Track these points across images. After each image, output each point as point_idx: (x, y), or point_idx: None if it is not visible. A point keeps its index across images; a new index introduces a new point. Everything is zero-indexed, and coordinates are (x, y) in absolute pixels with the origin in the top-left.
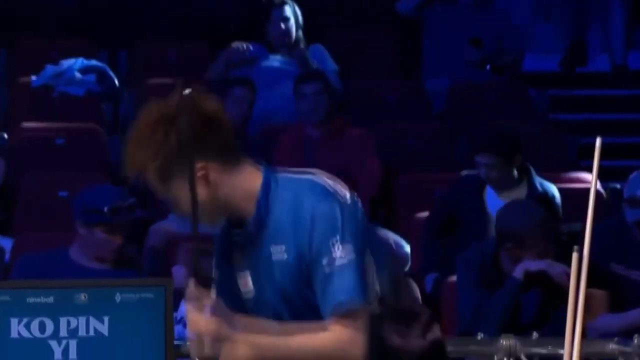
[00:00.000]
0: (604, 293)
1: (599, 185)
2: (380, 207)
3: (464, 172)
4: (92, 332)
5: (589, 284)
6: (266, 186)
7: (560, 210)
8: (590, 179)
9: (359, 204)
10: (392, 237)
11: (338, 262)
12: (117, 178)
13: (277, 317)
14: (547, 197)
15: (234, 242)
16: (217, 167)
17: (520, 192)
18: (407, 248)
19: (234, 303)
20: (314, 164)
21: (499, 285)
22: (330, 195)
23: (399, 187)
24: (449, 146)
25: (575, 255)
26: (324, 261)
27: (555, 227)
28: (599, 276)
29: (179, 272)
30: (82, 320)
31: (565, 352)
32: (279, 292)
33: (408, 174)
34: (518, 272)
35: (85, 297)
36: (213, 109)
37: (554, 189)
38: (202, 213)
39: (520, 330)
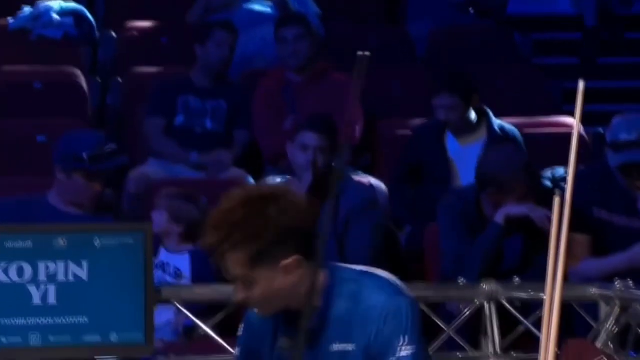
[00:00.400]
0: (586, 238)
1: (582, 130)
2: (362, 153)
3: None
4: (71, 277)
5: (571, 229)
6: (331, 280)
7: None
8: (573, 124)
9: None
10: (374, 182)
11: None
12: (95, 122)
13: None
14: (507, 138)
15: (283, 332)
16: (302, 258)
17: (480, 136)
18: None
19: None
20: (294, 108)
21: (481, 231)
22: (399, 292)
23: (381, 133)
24: (431, 91)
25: (557, 200)
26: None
27: (536, 172)
28: (581, 221)
29: (158, 217)
30: (61, 265)
31: (546, 296)
32: None
33: (391, 119)
34: (499, 218)
35: (64, 241)
36: (305, 202)
37: (515, 132)
38: (265, 302)
39: (503, 276)
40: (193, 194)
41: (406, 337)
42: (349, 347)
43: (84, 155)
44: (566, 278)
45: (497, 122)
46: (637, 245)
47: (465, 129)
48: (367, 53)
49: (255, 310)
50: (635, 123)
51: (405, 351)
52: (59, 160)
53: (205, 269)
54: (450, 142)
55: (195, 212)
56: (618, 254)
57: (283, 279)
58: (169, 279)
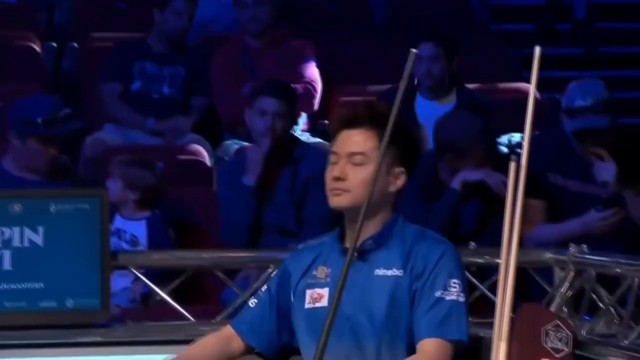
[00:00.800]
0: (542, 203)
1: (538, 96)
2: (320, 119)
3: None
4: (26, 243)
5: (526, 194)
6: (397, 215)
7: (493, 117)
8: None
9: None
10: None
11: (449, 297)
12: (51, 87)
13: (353, 332)
14: (477, 104)
15: (325, 257)
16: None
17: (450, 100)
18: None
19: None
20: (253, 74)
21: (439, 197)
22: (454, 248)
23: (339, 98)
24: (391, 57)
25: (512, 165)
26: (438, 293)
27: (493, 137)
28: (536, 186)
29: (113, 185)
30: (16, 230)
31: (501, 261)
32: (368, 309)
33: (350, 85)
34: (456, 183)
35: (19, 207)
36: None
37: (483, 97)
38: (358, 188)
39: (459, 240)
40: (147, 159)
41: (458, 281)
42: (398, 273)
43: (38, 120)
44: (522, 243)
45: (467, 87)
46: (591, 211)
47: (438, 90)
48: (416, 51)
49: (335, 197)
50: (590, 89)
51: (455, 291)
52: (12, 125)
53: (161, 235)
54: (420, 107)
55: (150, 178)
56: (573, 219)
57: (386, 178)
58: (124, 245)
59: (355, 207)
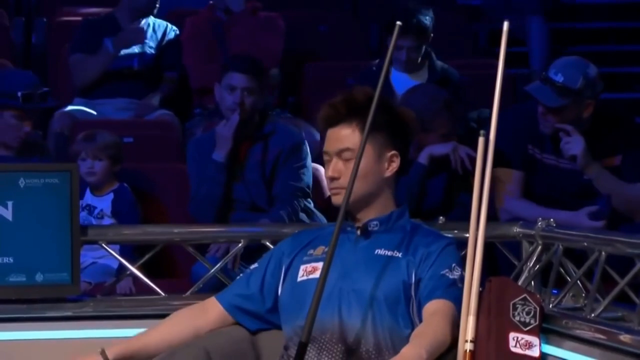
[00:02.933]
0: (520, 174)
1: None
2: (289, 94)
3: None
4: None
5: (505, 165)
6: (405, 208)
7: (463, 92)
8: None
9: None
10: (303, 125)
11: (453, 276)
12: (20, 62)
13: (340, 304)
14: (447, 79)
15: (324, 238)
16: (399, 157)
17: (422, 75)
18: (318, 136)
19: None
20: (224, 45)
21: (405, 172)
22: (454, 241)
23: (308, 74)
24: (361, 34)
25: (481, 140)
26: (443, 271)
27: (459, 109)
28: (515, 157)
29: (99, 165)
30: None
31: (470, 235)
32: (361, 283)
33: (319, 60)
34: (423, 158)
35: None
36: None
37: (455, 73)
38: (356, 180)
39: (427, 215)
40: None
41: (459, 268)
42: (398, 254)
43: (18, 94)
44: (495, 216)
45: (439, 63)
46: (582, 210)
47: (410, 66)
48: (400, 23)
49: (335, 197)
50: (570, 68)
51: (456, 274)
52: None
53: (128, 208)
54: (394, 79)
55: (116, 140)
56: (562, 211)
57: (380, 165)
58: (93, 221)
59: (356, 201)
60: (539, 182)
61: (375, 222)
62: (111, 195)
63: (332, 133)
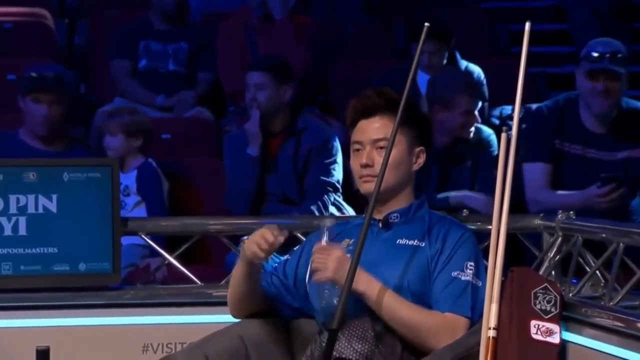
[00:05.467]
0: (548, 166)
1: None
2: (319, 94)
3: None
4: (40, 209)
5: (535, 158)
6: (424, 199)
7: (485, 89)
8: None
9: None
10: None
11: (465, 278)
12: (63, 62)
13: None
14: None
15: (349, 232)
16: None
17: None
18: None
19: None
20: (255, 51)
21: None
22: (472, 233)
23: (337, 73)
24: (386, 35)
25: (503, 136)
26: (455, 273)
27: (479, 90)
28: (544, 150)
29: (114, 141)
30: (31, 197)
31: (492, 227)
32: (384, 273)
33: (345, 60)
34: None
35: (33, 175)
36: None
37: (479, 70)
38: (388, 174)
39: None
40: (133, 108)
41: (473, 263)
42: (420, 244)
43: (48, 75)
44: (523, 207)
45: (463, 63)
46: (593, 186)
47: (436, 68)
48: (428, 24)
49: (365, 184)
50: (610, 44)
51: (471, 272)
52: (22, 85)
53: (153, 183)
54: (421, 81)
55: (145, 121)
56: (575, 192)
57: (410, 159)
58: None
59: (385, 190)
60: (567, 173)
61: (395, 214)
62: (135, 172)
63: (366, 124)
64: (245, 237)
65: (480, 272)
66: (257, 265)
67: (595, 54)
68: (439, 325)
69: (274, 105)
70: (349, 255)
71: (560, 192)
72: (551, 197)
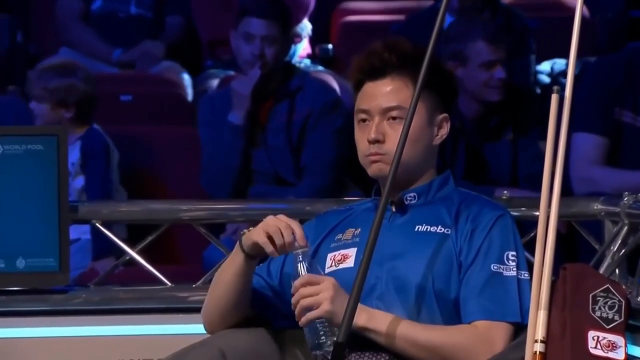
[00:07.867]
0: (605, 140)
1: (587, 14)
2: (321, 43)
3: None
4: None
5: (587, 130)
6: (448, 174)
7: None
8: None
9: None
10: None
11: (508, 273)
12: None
13: (379, 301)
14: (512, 23)
15: (354, 219)
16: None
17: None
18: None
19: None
20: None
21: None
22: (511, 216)
23: (340, 18)
24: None
25: (554, 97)
26: (495, 267)
27: (500, 35)
28: (599, 121)
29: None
30: None
31: (540, 214)
32: (405, 269)
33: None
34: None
35: None
36: None
37: (521, 14)
38: (406, 151)
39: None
40: (70, 64)
41: (514, 253)
42: (445, 231)
43: None
44: (568, 190)
45: (503, 4)
46: None
47: (469, 10)
48: None
49: (375, 165)
50: None
51: (513, 265)
52: None
53: (98, 155)
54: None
55: (81, 86)
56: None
57: (431, 130)
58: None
59: (401, 172)
60: (626, 149)
61: (412, 194)
62: (79, 144)
63: (374, 88)
64: (246, 230)
65: (523, 262)
66: (253, 263)
67: None
68: (473, 340)
69: (279, 64)
70: (355, 249)
71: (619, 170)
72: (608, 175)
